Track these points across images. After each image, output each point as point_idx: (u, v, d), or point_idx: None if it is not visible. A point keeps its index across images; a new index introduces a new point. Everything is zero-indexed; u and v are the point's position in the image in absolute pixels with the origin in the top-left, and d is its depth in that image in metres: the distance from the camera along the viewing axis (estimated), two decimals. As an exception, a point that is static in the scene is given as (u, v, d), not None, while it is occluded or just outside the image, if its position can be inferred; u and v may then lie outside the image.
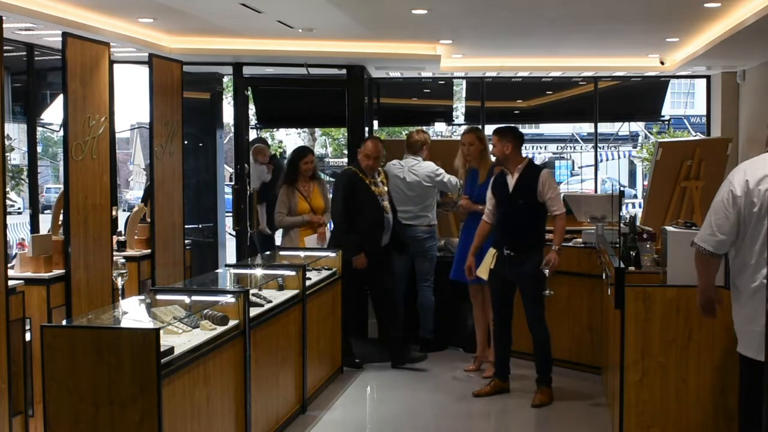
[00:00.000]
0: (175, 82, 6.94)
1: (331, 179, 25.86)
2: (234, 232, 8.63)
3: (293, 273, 5.69)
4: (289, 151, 26.57)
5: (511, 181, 5.84)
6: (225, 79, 10.39)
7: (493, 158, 6.28)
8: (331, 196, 7.23)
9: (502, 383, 6.11)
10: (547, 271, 5.71)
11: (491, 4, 5.98)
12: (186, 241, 7.17)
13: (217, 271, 7.68)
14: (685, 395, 4.59)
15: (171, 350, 3.90)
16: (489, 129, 7.98)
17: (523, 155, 6.03)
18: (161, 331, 3.80)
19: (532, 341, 5.95)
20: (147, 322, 4.31)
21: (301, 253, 6.72)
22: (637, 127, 26.41)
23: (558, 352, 6.20)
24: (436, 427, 5.75)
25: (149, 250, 6.58)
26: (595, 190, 11.41)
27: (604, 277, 5.61)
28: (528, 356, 6.33)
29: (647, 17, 6.42)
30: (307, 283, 5.80)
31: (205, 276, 6.82)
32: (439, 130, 23.38)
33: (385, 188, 6.76)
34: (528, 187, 5.77)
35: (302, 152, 7.43)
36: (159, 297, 4.80)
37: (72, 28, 5.78)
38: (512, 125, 6.50)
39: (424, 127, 9.87)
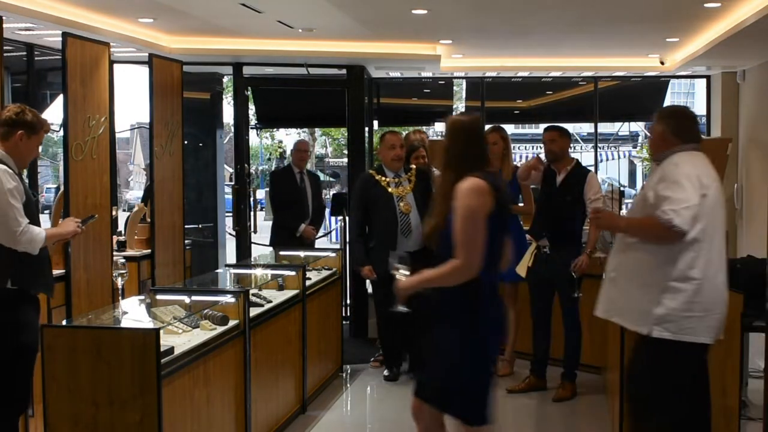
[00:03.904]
0: (175, 82, 6.94)
1: (331, 179, 25.96)
2: (234, 232, 8.63)
3: (293, 273, 5.69)
4: (289, 152, 26.67)
5: (559, 178, 6.00)
6: (225, 79, 10.38)
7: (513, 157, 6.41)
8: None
9: (538, 381, 6.15)
10: (575, 273, 5.77)
11: (491, 4, 5.98)
12: (186, 241, 7.18)
13: (217, 271, 7.69)
14: (685, 395, 4.57)
15: (171, 350, 3.91)
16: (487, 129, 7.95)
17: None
18: (161, 331, 3.80)
19: (564, 338, 6.04)
20: (147, 322, 4.31)
21: (301, 253, 6.72)
22: (637, 127, 26.41)
23: (558, 352, 6.20)
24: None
25: (149, 250, 6.58)
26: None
27: (604, 277, 5.60)
28: (528, 356, 6.35)
29: (647, 17, 6.42)
30: (307, 283, 5.80)
31: (205, 276, 6.82)
32: (439, 130, 23.38)
33: (409, 187, 6.34)
34: (576, 185, 5.89)
35: (412, 149, 6.73)
36: (159, 297, 4.80)
37: (72, 28, 5.78)
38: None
39: (423, 127, 9.88)
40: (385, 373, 6.51)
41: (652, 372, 3.84)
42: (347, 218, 8.16)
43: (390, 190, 6.33)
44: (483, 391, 3.55)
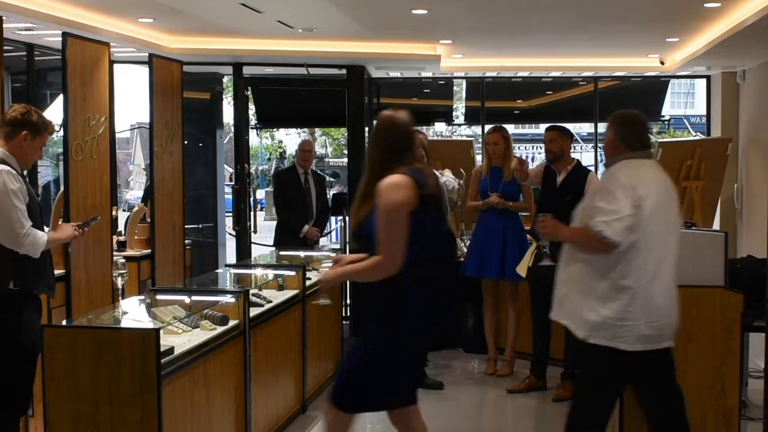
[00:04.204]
0: (175, 82, 6.94)
1: (332, 179, 25.95)
2: (234, 232, 8.63)
3: (293, 273, 5.69)
4: (289, 152, 26.65)
5: (559, 178, 6.01)
6: (225, 79, 10.38)
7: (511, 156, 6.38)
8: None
9: (537, 381, 6.16)
10: None
11: (491, 4, 5.98)
12: (186, 241, 7.18)
13: (217, 271, 7.69)
14: (685, 395, 4.58)
15: (171, 350, 3.91)
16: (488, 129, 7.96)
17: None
18: (161, 331, 3.80)
19: (565, 337, 6.00)
20: (147, 322, 4.31)
21: (301, 253, 6.72)
22: (637, 127, 26.37)
23: (558, 352, 6.20)
24: (436, 426, 5.74)
25: (149, 250, 6.58)
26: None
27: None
28: (528, 356, 6.35)
29: (647, 17, 6.42)
30: (307, 283, 5.80)
31: (205, 276, 6.82)
32: (439, 130, 23.39)
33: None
34: (576, 185, 5.88)
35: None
36: (159, 297, 4.80)
37: (72, 28, 5.78)
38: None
39: (423, 127, 9.88)
40: None
41: (591, 373, 3.95)
42: (347, 218, 8.15)
43: None
44: (380, 387, 3.55)
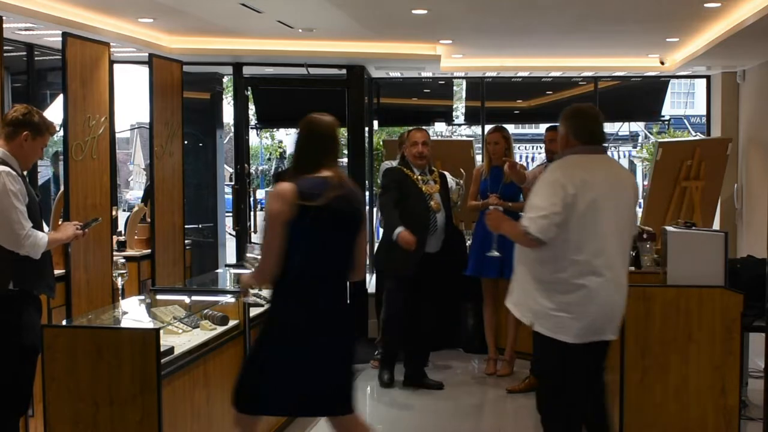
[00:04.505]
0: (175, 82, 6.94)
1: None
2: (234, 232, 8.63)
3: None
4: (289, 151, 26.63)
5: None
6: (225, 79, 10.38)
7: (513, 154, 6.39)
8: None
9: (537, 381, 6.14)
10: None
11: (491, 4, 5.98)
12: (186, 241, 7.17)
13: (217, 271, 7.69)
14: (685, 395, 4.59)
15: (171, 350, 3.91)
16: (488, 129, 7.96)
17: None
18: (161, 331, 3.81)
19: None
20: (147, 322, 4.32)
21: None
22: (637, 127, 26.40)
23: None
24: (436, 426, 5.75)
25: (149, 250, 6.58)
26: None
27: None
28: (528, 356, 6.34)
29: (647, 17, 6.42)
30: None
31: (205, 276, 6.82)
32: (439, 130, 23.38)
33: (437, 186, 6.21)
34: None
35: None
36: (159, 297, 4.81)
37: (72, 28, 5.78)
38: None
39: (423, 127, 9.87)
40: (385, 377, 6.39)
41: (539, 359, 4.15)
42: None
43: (421, 187, 6.13)
44: (276, 386, 3.53)
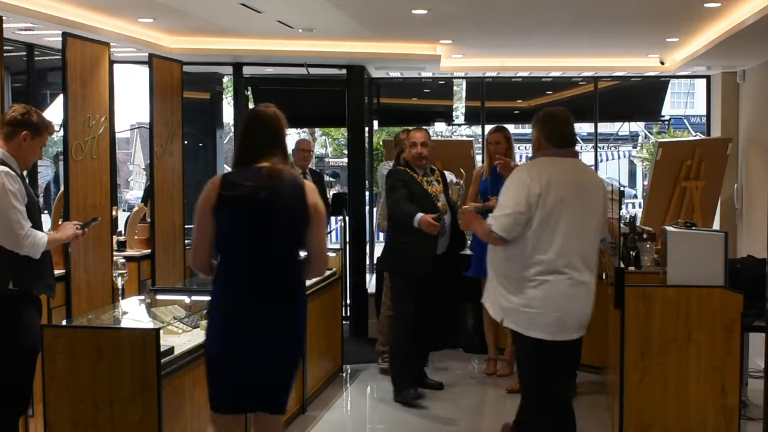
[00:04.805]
0: (175, 82, 6.94)
1: (331, 179, 25.93)
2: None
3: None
4: (288, 152, 26.59)
5: None
6: (225, 79, 10.38)
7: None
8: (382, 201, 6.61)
9: None
10: None
11: (491, 4, 5.98)
12: (186, 241, 7.17)
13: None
14: (685, 395, 4.59)
15: (171, 350, 3.91)
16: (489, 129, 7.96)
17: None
18: (161, 331, 3.80)
19: None
20: (147, 322, 4.31)
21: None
22: (637, 127, 26.40)
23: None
24: (436, 426, 5.74)
25: (149, 250, 6.58)
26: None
27: (604, 277, 5.61)
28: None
29: (647, 17, 6.42)
30: (307, 283, 5.79)
31: (205, 276, 6.80)
32: (439, 130, 23.37)
33: (440, 187, 6.05)
34: None
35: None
36: (159, 297, 4.81)
37: (72, 28, 5.78)
38: None
39: (424, 127, 9.87)
40: (411, 393, 5.99)
41: (518, 356, 4.33)
42: (347, 218, 8.15)
43: (427, 188, 5.95)
44: (213, 380, 3.55)
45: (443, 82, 10.78)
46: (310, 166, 7.91)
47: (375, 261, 7.10)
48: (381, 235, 7.49)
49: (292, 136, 26.61)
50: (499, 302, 4.14)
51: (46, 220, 4.90)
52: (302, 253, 3.68)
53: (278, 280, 3.54)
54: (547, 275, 3.97)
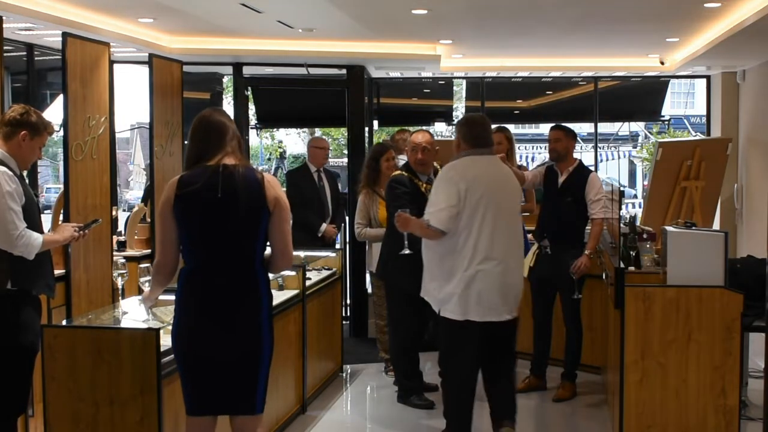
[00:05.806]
0: (175, 82, 6.94)
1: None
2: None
3: (293, 273, 5.69)
4: (289, 151, 26.63)
5: (560, 179, 5.98)
6: (225, 79, 10.38)
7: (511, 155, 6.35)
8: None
9: (537, 381, 6.16)
10: (574, 274, 5.74)
11: (491, 4, 5.98)
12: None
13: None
14: (685, 395, 4.59)
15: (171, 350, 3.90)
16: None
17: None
18: (161, 331, 3.80)
19: (566, 338, 6.06)
20: (147, 322, 4.30)
21: (301, 253, 6.71)
22: (637, 127, 26.40)
23: (558, 352, 6.20)
24: (436, 426, 5.74)
25: (149, 250, 6.58)
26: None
27: (604, 277, 5.62)
28: (528, 356, 6.34)
29: (647, 17, 6.42)
30: (307, 283, 5.80)
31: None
32: (439, 130, 23.38)
33: None
34: (577, 186, 5.88)
35: (383, 149, 6.62)
36: (159, 297, 4.79)
37: (72, 28, 5.78)
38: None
39: (424, 127, 9.86)
40: (423, 400, 5.98)
41: (443, 341, 4.71)
42: (347, 218, 8.14)
43: (429, 196, 5.40)
44: (182, 382, 3.55)
45: (443, 82, 10.77)
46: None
47: (367, 264, 6.95)
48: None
49: (292, 137, 26.65)
50: (434, 294, 4.59)
51: (46, 220, 4.90)
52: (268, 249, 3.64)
53: (240, 277, 3.51)
54: (479, 263, 4.44)
